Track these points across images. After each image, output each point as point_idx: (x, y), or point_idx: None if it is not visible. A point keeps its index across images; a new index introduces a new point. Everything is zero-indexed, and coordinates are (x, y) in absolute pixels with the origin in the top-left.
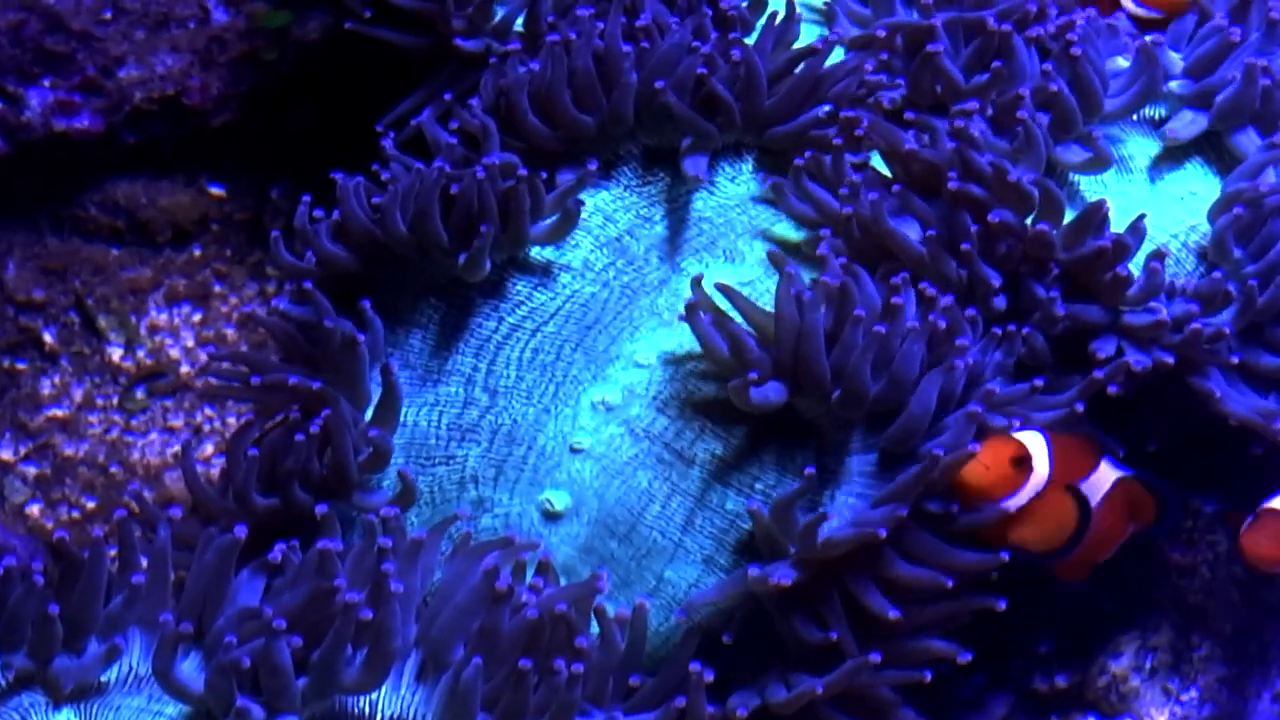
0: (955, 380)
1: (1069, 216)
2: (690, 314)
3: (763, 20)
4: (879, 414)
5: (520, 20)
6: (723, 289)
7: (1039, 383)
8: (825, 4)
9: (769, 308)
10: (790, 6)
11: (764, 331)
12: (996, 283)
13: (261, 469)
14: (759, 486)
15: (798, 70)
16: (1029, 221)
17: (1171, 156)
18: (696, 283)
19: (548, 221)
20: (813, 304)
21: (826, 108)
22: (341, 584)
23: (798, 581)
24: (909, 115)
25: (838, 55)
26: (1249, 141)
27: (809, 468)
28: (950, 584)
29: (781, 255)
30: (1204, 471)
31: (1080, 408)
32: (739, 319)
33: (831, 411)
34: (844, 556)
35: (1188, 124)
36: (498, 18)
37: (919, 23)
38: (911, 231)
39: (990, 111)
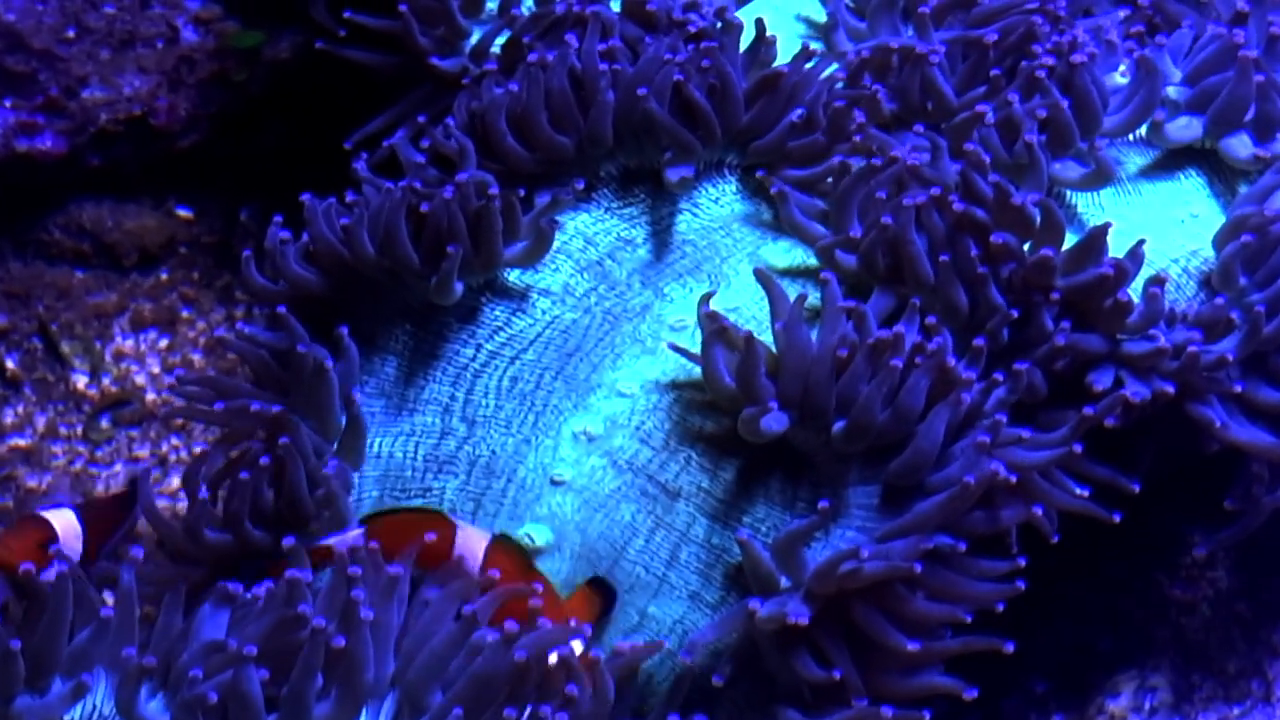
0: (958, 413)
1: (1069, 239)
2: (708, 344)
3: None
4: (878, 447)
5: (498, 41)
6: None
7: (1026, 433)
8: (826, 17)
9: (757, 333)
10: (760, 26)
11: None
12: (1015, 313)
13: (228, 504)
14: (746, 520)
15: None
16: (1028, 247)
17: (1172, 178)
18: (705, 300)
19: (523, 243)
20: (826, 332)
21: (800, 111)
22: (307, 610)
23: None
24: (918, 128)
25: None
26: (1241, 146)
27: (822, 501)
28: (969, 619)
29: (771, 275)
30: (1206, 502)
31: (1078, 448)
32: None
33: (830, 444)
34: (856, 591)
35: (1182, 128)
36: (475, 38)
37: (914, 44)
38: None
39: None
